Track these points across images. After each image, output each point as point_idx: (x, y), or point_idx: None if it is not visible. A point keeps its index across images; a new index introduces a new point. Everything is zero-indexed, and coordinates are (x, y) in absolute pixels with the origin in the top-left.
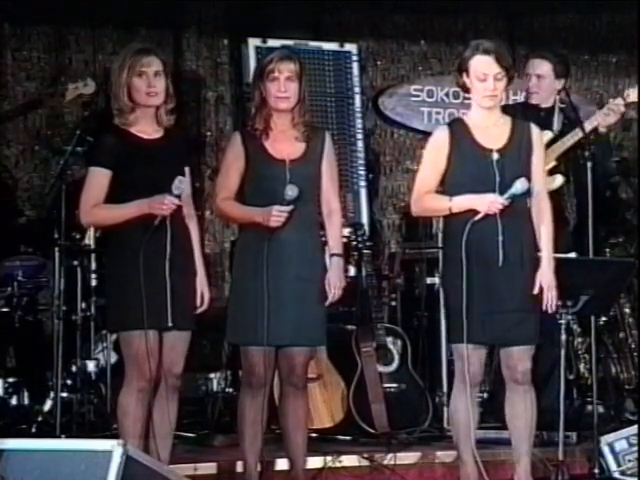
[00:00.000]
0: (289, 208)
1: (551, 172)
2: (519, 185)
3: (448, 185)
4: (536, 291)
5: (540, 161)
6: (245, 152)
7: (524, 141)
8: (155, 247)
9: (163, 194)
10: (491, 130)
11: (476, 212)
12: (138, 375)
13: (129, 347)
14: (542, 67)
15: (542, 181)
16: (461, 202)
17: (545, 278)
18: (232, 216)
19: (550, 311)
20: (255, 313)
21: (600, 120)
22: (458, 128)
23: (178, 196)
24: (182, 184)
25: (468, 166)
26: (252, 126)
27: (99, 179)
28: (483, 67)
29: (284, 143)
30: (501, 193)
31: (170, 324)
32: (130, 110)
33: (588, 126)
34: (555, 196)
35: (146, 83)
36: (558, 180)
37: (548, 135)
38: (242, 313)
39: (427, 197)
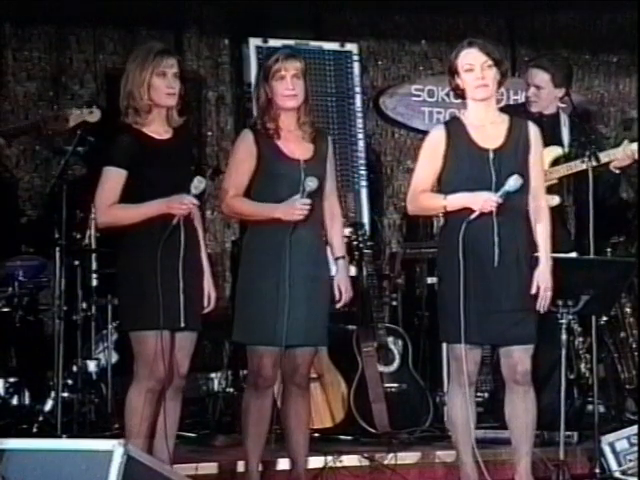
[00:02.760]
0: (310, 201)
1: (549, 190)
2: (512, 182)
3: (444, 184)
4: (533, 291)
5: (538, 159)
6: (258, 151)
7: (522, 140)
8: (170, 247)
9: (181, 194)
10: (488, 129)
11: (471, 211)
12: (149, 375)
13: (143, 346)
14: (540, 78)
15: (540, 180)
16: (455, 200)
17: (542, 278)
18: (246, 213)
19: (542, 311)
20: (273, 313)
21: (615, 162)
22: (455, 127)
23: (196, 196)
24: (201, 184)
25: (464, 166)
26: (263, 125)
27: (115, 179)
28: (469, 59)
29: (295, 143)
30: (497, 192)
31: (183, 324)
32: (148, 110)
33: (602, 158)
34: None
35: (166, 83)
36: (555, 201)
37: (557, 151)
38: (257, 312)
39: (422, 196)
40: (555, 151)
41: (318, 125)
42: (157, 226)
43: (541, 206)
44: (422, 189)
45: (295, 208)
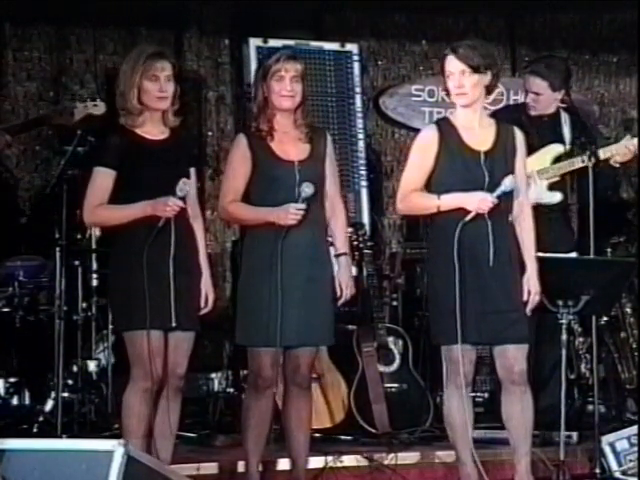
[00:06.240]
0: (305, 206)
1: (552, 187)
2: (508, 182)
3: (436, 185)
4: (525, 297)
5: (522, 165)
6: (252, 154)
7: (509, 144)
8: (159, 248)
9: (167, 196)
10: (477, 131)
11: (464, 212)
12: (143, 375)
13: (133, 347)
14: (537, 85)
15: (524, 184)
16: (450, 200)
17: (531, 282)
18: (242, 218)
19: (529, 314)
20: (268, 314)
21: (617, 157)
22: (446, 128)
23: (182, 198)
24: (186, 186)
25: (457, 166)
26: (257, 127)
27: (103, 179)
28: (448, 65)
29: (289, 144)
30: (490, 193)
31: (174, 324)
32: (139, 112)
33: (602, 155)
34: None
35: (157, 87)
36: (557, 197)
37: (559, 149)
38: (254, 314)
39: (414, 195)
40: (556, 149)
41: (317, 125)
42: (145, 227)
43: (525, 211)
44: (413, 188)
45: (289, 213)
